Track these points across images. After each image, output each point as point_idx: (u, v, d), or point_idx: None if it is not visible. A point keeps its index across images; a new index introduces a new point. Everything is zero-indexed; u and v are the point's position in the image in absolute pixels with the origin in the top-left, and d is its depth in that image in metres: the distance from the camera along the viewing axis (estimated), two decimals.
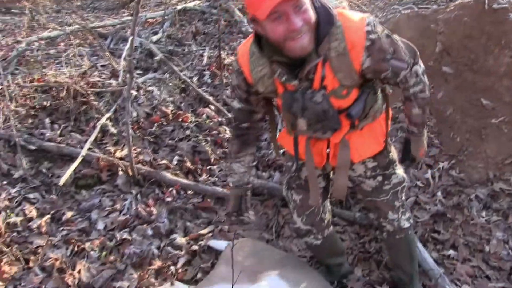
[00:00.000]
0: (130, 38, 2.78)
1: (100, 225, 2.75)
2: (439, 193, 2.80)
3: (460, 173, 2.92)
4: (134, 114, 3.53)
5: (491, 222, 2.68)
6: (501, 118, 3.11)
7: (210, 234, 2.68)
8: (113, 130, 3.39)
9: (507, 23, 3.03)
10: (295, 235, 2.30)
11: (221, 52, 4.07)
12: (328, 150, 1.84)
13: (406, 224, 2.10)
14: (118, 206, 2.86)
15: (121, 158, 3.12)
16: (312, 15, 1.47)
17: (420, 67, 1.71)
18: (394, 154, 1.98)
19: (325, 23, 1.51)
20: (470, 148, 3.03)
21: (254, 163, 2.08)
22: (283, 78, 1.61)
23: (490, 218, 2.71)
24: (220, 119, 3.55)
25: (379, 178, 1.95)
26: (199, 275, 2.44)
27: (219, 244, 2.53)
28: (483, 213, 2.73)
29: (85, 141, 3.22)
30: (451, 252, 2.56)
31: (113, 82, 3.84)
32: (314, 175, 1.89)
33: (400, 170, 2.01)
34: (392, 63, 1.61)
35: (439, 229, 2.66)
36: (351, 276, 2.42)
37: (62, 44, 4.86)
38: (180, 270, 2.48)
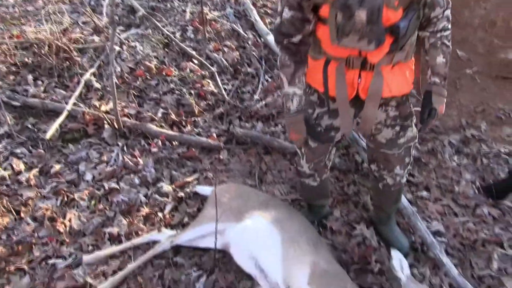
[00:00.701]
0: None
1: (88, 176, 2.82)
2: None
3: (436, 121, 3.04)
4: (118, 69, 3.55)
5: (462, 165, 2.84)
6: (474, 69, 3.23)
7: (195, 182, 2.78)
8: (97, 85, 3.42)
9: None
10: (297, 175, 2.32)
11: (204, 8, 4.07)
12: (359, 80, 1.82)
13: (405, 179, 2.22)
14: (105, 157, 2.93)
15: (106, 112, 3.17)
16: None
17: (450, 14, 1.79)
18: (412, 107, 2.03)
19: None
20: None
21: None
22: None
23: (461, 161, 2.87)
24: (203, 72, 3.59)
25: (397, 128, 2.01)
26: (186, 220, 2.55)
27: (205, 189, 2.63)
28: (455, 158, 2.89)
29: (70, 97, 3.26)
30: (424, 193, 2.72)
31: (96, 38, 3.83)
32: (346, 101, 1.85)
33: (414, 125, 2.07)
34: None
35: (414, 173, 2.81)
36: (331, 216, 2.57)
37: (40, 1, 4.78)
38: (167, 216, 2.58)
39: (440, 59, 1.85)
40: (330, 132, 2.04)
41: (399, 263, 2.15)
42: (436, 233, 2.51)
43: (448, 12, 1.78)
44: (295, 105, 1.90)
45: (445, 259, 2.34)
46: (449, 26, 1.81)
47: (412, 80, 1.91)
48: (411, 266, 2.27)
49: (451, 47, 1.86)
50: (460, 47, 3.29)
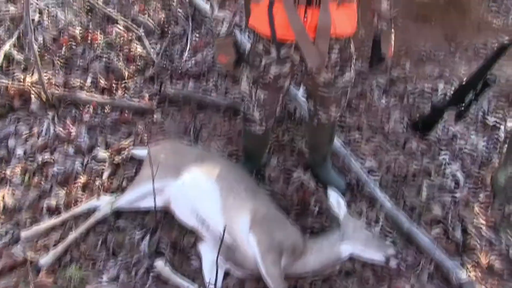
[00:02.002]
0: None
1: (19, 151, 2.72)
2: None
3: (363, 63, 3.13)
4: (40, 38, 3.39)
5: (390, 104, 2.97)
6: (396, 11, 3.31)
7: (131, 145, 2.75)
8: (19, 57, 3.26)
9: None
10: (243, 120, 2.36)
11: None
12: (305, 18, 1.81)
13: (338, 117, 2.30)
14: (35, 130, 2.83)
15: (32, 84, 3.04)
16: None
17: None
18: (353, 51, 2.06)
19: None
20: (369, 42, 3.25)
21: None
22: None
23: (389, 101, 2.99)
24: (130, 36, 3.49)
25: (336, 71, 2.04)
26: (124, 184, 2.54)
27: (141, 152, 2.60)
28: (383, 98, 3.01)
29: None
30: (356, 134, 2.82)
31: (12, 8, 3.63)
32: (304, 31, 1.82)
33: (353, 69, 2.11)
34: None
35: (345, 115, 2.90)
36: (268, 165, 2.63)
37: None
38: (105, 182, 2.56)
39: (384, 5, 1.96)
40: (279, 80, 2.06)
41: (336, 201, 2.25)
42: (370, 171, 2.64)
43: None
44: (224, 28, 1.97)
45: (379, 194, 2.48)
46: None
47: (355, 23, 1.94)
48: (348, 203, 2.39)
49: None
50: None
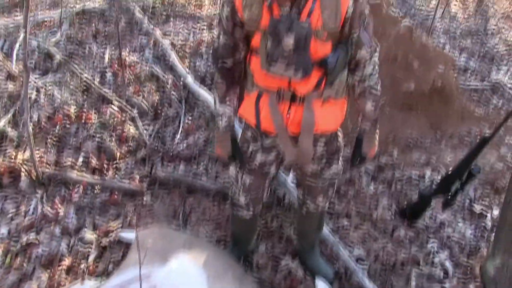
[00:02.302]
0: (23, 32, 2.73)
1: (3, 230, 2.67)
2: None
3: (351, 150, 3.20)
4: (35, 116, 3.45)
5: (378, 191, 3.01)
6: (383, 100, 3.45)
7: (119, 227, 2.73)
8: (12, 134, 3.30)
9: (381, 16, 3.38)
10: (231, 205, 2.35)
11: (122, 52, 4.09)
12: (288, 114, 1.85)
13: (326, 207, 2.33)
14: (22, 209, 2.80)
15: (23, 161, 3.06)
16: None
17: (377, 61, 1.86)
18: (341, 143, 2.10)
19: None
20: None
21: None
22: None
23: (377, 188, 3.04)
24: (124, 116, 3.57)
25: (323, 164, 2.08)
26: (110, 267, 2.49)
27: (129, 235, 2.58)
28: (372, 185, 3.06)
29: None
30: (345, 221, 2.84)
31: (10, 85, 3.72)
32: (284, 128, 1.87)
33: (340, 161, 2.15)
34: (362, 32, 1.74)
35: (334, 202, 2.93)
36: (256, 251, 2.61)
37: None
38: (91, 265, 2.51)
39: (369, 106, 1.91)
40: (264, 167, 2.10)
41: None
42: (359, 259, 2.62)
43: (376, 58, 1.84)
44: (223, 123, 1.99)
45: (368, 284, 2.46)
46: (377, 71, 1.88)
47: (342, 119, 1.97)
48: None
49: (379, 91, 1.92)
50: None
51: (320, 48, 1.70)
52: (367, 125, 1.98)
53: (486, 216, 3.00)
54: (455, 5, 8.51)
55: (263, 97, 1.87)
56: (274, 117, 1.86)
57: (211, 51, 1.97)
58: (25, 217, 2.77)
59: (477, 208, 3.04)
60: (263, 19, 1.69)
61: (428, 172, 3.24)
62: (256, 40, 1.75)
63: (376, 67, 1.87)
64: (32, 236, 2.64)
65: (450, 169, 2.50)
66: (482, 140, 2.36)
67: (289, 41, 1.63)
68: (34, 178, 2.97)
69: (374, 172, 3.16)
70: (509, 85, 4.51)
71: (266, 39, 1.68)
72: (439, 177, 3.09)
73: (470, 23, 7.00)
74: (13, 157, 3.11)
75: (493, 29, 6.72)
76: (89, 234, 2.67)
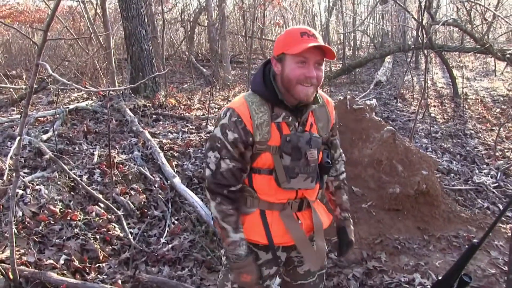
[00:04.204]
0: (18, 138, 2.78)
1: None
2: None
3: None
4: (20, 213, 3.40)
5: None
6: (369, 203, 3.49)
7: None
8: None
9: (364, 121, 3.53)
10: None
11: (111, 151, 4.15)
12: (299, 222, 1.90)
13: None
14: None
15: (1, 261, 2.96)
16: (322, 76, 1.78)
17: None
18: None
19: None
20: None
21: None
22: (289, 119, 1.80)
23: None
24: (109, 216, 3.54)
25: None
26: None
27: None
28: None
29: None
30: None
31: None
32: (306, 239, 1.89)
33: (325, 247, 2.15)
34: (337, 139, 2.06)
35: None
36: None
37: None
38: None
39: (344, 197, 2.11)
40: (266, 281, 2.03)
41: None
42: None
43: (343, 155, 2.10)
44: (244, 250, 1.88)
45: None
46: (344, 167, 2.12)
47: (327, 214, 2.07)
48: None
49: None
50: (355, 183, 3.58)
51: (320, 154, 1.90)
52: (347, 213, 2.11)
53: None
54: (434, 107, 8.96)
55: (268, 213, 1.88)
56: (292, 229, 1.87)
57: (208, 183, 1.88)
58: None
59: None
60: (272, 138, 1.78)
61: (417, 279, 3.17)
62: (261, 161, 1.81)
63: (344, 165, 2.11)
64: None
65: (440, 277, 2.46)
66: (471, 248, 2.35)
67: (314, 154, 1.80)
68: (10, 279, 2.85)
69: (362, 277, 3.09)
70: (492, 186, 4.61)
71: (281, 157, 1.78)
72: (429, 283, 3.02)
73: (450, 125, 7.33)
74: None
75: (472, 131, 7.02)
76: None
